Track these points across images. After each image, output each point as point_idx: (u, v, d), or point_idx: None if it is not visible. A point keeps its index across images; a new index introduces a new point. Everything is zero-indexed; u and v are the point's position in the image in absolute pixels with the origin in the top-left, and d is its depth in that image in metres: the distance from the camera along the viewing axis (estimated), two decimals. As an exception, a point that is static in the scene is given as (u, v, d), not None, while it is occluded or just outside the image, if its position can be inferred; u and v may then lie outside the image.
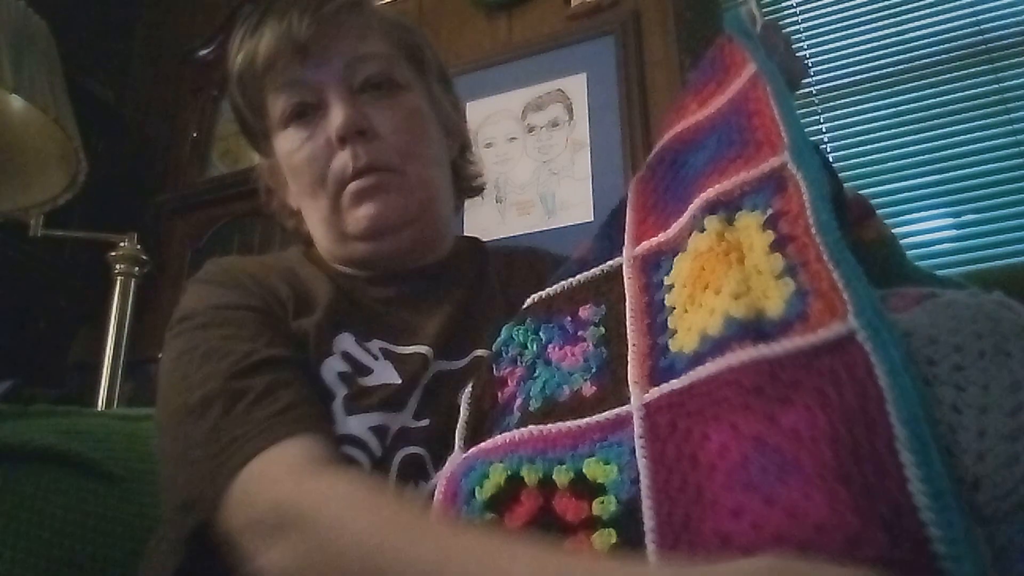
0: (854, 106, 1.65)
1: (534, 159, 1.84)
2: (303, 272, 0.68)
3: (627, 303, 0.49)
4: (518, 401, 0.50)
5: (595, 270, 0.55)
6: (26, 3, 1.36)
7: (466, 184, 0.81)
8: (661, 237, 0.52)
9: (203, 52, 2.28)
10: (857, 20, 1.71)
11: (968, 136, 1.53)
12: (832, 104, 1.67)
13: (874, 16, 1.69)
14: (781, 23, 1.77)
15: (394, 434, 0.56)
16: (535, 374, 0.50)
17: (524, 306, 0.58)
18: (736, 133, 0.51)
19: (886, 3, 1.69)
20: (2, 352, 1.92)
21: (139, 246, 1.55)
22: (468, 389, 0.56)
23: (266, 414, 0.51)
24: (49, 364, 2.08)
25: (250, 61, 0.66)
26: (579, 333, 0.51)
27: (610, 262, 0.55)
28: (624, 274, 0.52)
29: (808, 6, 1.76)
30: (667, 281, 0.48)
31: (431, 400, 0.59)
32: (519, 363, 0.53)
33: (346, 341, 0.61)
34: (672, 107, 0.64)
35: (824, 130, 1.66)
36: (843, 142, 1.64)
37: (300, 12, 0.64)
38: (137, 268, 1.54)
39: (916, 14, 1.66)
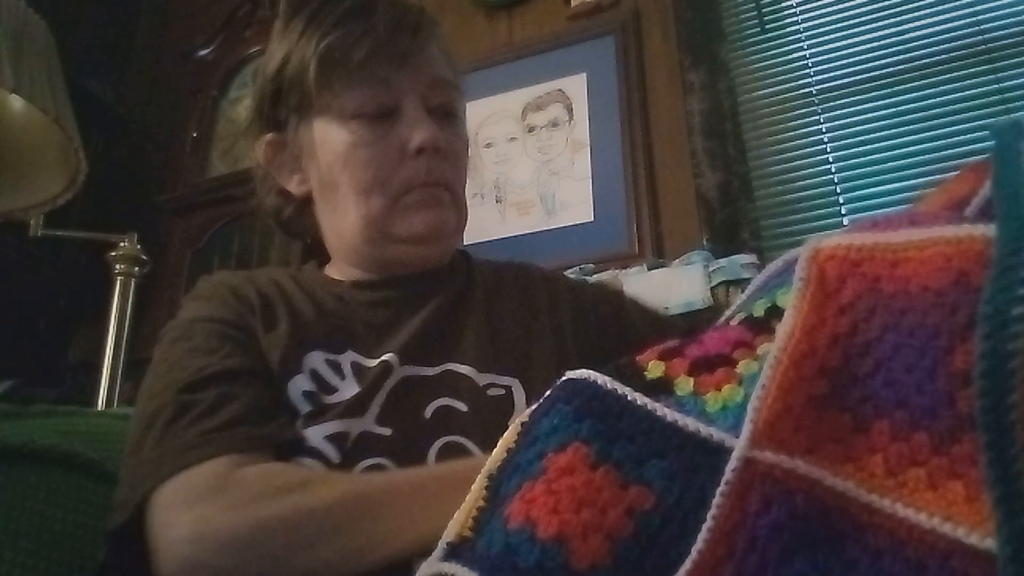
0: (854, 106, 1.65)
1: (534, 159, 1.84)
2: (287, 288, 0.70)
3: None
4: None
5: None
6: (26, 3, 1.36)
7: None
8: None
9: (203, 52, 2.28)
10: (857, 20, 1.71)
11: (968, 136, 1.53)
12: (832, 104, 1.67)
13: (874, 16, 1.69)
14: (781, 23, 1.77)
15: (354, 440, 0.57)
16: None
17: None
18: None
19: (886, 3, 1.69)
20: (2, 352, 1.92)
21: (139, 246, 1.55)
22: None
23: (203, 429, 0.54)
24: (49, 364, 2.08)
25: (350, 46, 0.66)
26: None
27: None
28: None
29: (808, 6, 1.76)
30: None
31: (396, 406, 0.60)
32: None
33: (315, 359, 0.62)
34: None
35: (824, 130, 1.66)
36: (843, 142, 1.64)
37: (396, 20, 0.67)
38: (137, 268, 1.54)
39: (916, 14, 1.66)
